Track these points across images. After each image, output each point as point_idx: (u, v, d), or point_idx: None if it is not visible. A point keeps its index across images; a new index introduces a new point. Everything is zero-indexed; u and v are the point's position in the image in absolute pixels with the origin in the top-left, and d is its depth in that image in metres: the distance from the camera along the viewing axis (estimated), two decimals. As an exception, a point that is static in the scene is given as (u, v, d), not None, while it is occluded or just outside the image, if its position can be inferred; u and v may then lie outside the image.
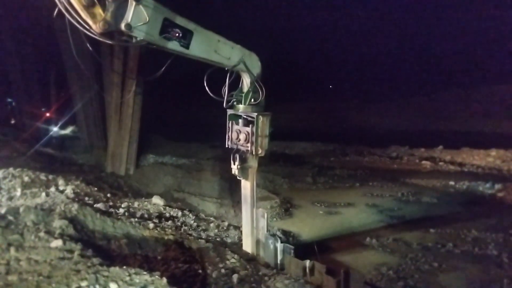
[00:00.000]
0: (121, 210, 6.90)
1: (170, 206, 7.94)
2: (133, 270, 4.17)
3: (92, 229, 5.53)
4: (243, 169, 5.14)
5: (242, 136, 5.03)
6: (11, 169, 8.12)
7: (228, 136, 5.23)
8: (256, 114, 4.88)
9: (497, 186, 10.22)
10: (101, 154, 13.09)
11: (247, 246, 5.57)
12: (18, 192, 6.80)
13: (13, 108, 19.19)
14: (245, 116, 5.08)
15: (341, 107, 44.07)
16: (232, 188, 9.14)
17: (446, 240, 6.57)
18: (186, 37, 4.22)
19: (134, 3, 3.69)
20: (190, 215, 7.52)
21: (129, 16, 3.72)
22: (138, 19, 3.77)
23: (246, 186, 5.36)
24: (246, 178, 5.28)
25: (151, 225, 6.16)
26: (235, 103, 5.07)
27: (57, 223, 5.17)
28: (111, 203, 7.28)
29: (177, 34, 4.13)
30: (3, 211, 5.41)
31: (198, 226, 6.97)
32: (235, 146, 5.15)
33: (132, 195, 9.08)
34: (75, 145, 15.36)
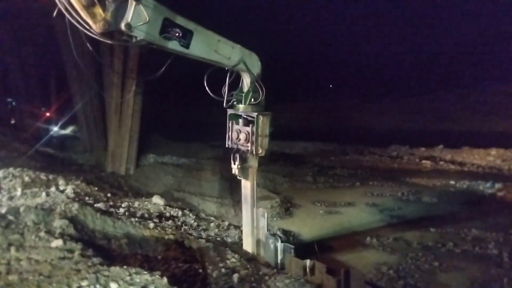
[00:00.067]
0: (122, 210, 6.90)
1: (170, 206, 7.94)
2: (133, 270, 4.17)
3: (92, 229, 5.54)
4: (243, 169, 5.14)
5: (242, 136, 5.03)
6: (11, 169, 8.13)
7: (228, 136, 5.23)
8: (256, 113, 4.88)
9: (497, 185, 10.21)
10: (101, 154, 13.11)
11: (248, 245, 5.57)
12: (19, 192, 6.80)
13: (13, 108, 19.20)
14: (245, 116, 5.08)
15: (342, 107, 44.05)
16: (232, 187, 9.15)
17: (447, 240, 6.57)
18: (186, 37, 4.22)
19: (134, 3, 3.69)
20: (191, 214, 7.52)
21: (129, 16, 3.72)
22: (138, 19, 3.77)
23: (247, 186, 5.36)
24: (246, 178, 5.28)
25: (152, 225, 6.17)
26: (235, 102, 5.07)
27: (58, 223, 5.18)
28: (111, 203, 7.29)
29: (177, 34, 4.13)
30: (3, 211, 5.42)
31: (198, 225, 6.97)
32: (235, 146, 5.15)
33: (133, 194, 9.09)
34: (75, 145, 15.39)
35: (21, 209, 5.42)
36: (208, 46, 4.47)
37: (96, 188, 8.30)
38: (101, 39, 3.76)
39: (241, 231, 6.00)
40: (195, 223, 7.05)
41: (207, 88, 4.84)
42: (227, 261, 5.14)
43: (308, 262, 4.78)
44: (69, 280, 3.87)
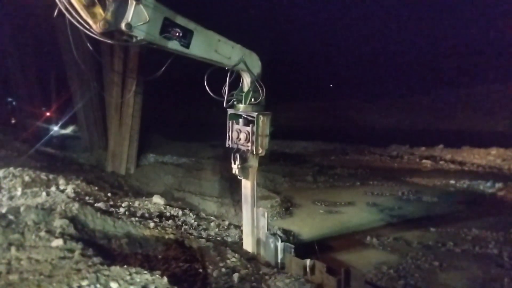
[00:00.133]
0: (122, 210, 6.90)
1: (170, 205, 7.95)
2: (133, 269, 4.17)
3: (92, 229, 5.54)
4: (244, 169, 5.14)
5: (242, 136, 5.03)
6: (11, 169, 8.13)
7: (229, 135, 5.23)
8: (256, 113, 4.88)
9: (498, 185, 10.22)
10: (101, 154, 13.12)
11: (248, 245, 5.58)
12: (19, 192, 6.80)
13: (13, 108, 19.21)
14: (245, 116, 5.08)
15: (342, 106, 44.06)
16: (232, 187, 9.15)
17: (447, 239, 6.56)
18: (186, 36, 4.22)
19: (134, 2, 3.69)
20: (191, 214, 7.53)
21: (129, 15, 3.72)
22: (139, 19, 3.78)
23: (247, 186, 5.36)
24: (246, 178, 5.28)
25: (152, 224, 6.17)
26: (235, 102, 5.07)
27: (58, 223, 5.18)
28: (111, 203, 7.29)
29: (177, 34, 4.13)
30: (3, 210, 5.42)
31: (198, 225, 6.97)
32: (235, 146, 5.15)
33: (133, 194, 9.09)
34: (76, 144, 15.39)
35: (22, 208, 5.42)
36: (208, 46, 4.47)
37: (97, 188, 8.29)
38: (101, 39, 3.76)
39: (241, 231, 6.00)
40: (195, 223, 7.05)
41: (207, 88, 4.84)
42: (227, 261, 5.14)
43: (308, 261, 4.78)
44: (70, 280, 3.87)
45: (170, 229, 6.21)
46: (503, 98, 36.15)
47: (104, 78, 12.38)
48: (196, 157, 13.56)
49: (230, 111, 5.16)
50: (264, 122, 4.93)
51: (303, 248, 5.50)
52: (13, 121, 18.62)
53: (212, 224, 7.06)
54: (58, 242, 4.70)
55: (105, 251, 5.09)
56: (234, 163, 5.07)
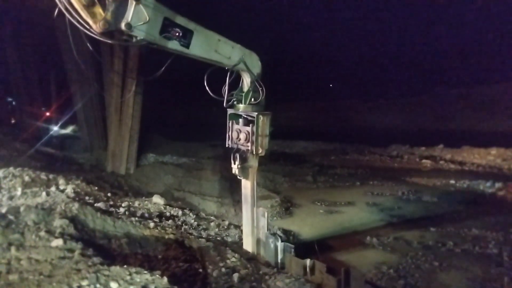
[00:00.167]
0: (122, 209, 6.90)
1: (170, 205, 7.95)
2: (133, 269, 4.18)
3: (92, 228, 5.54)
4: (244, 169, 5.14)
5: (242, 136, 5.03)
6: (11, 169, 8.14)
7: (229, 135, 5.23)
8: (256, 113, 4.88)
9: (498, 184, 10.21)
10: (101, 154, 13.13)
11: (248, 245, 5.58)
12: (19, 192, 6.80)
13: (13, 108, 19.22)
14: (245, 116, 5.08)
15: (342, 106, 44.09)
16: (232, 187, 9.15)
17: (447, 239, 6.56)
18: (186, 36, 4.22)
19: (134, 2, 3.69)
20: (191, 214, 7.53)
21: (129, 15, 3.72)
22: (138, 19, 3.77)
23: (247, 186, 5.36)
24: (246, 178, 5.28)
25: (152, 224, 6.17)
26: (235, 102, 5.07)
27: (58, 223, 5.18)
28: (111, 203, 7.29)
29: (177, 34, 4.13)
30: (3, 210, 5.43)
31: (198, 225, 6.97)
32: (235, 146, 5.15)
33: (133, 194, 9.09)
34: (76, 144, 15.41)
35: (21, 208, 5.42)
36: (208, 45, 4.47)
37: (96, 188, 8.30)
38: (101, 39, 3.76)
39: (241, 231, 6.00)
40: (195, 223, 7.05)
41: (207, 87, 4.84)
42: (227, 261, 5.14)
43: (308, 261, 4.78)
44: (70, 280, 3.87)
45: (170, 229, 6.21)
46: (503, 98, 36.16)
47: (104, 78, 12.39)
48: (196, 157, 13.57)
49: (230, 111, 5.16)
50: (264, 122, 4.93)
51: (303, 248, 5.50)
52: (13, 121, 18.62)
53: (212, 224, 7.07)
54: (58, 242, 4.70)
55: (105, 251, 5.10)
56: (234, 163, 5.07)
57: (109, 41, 3.99)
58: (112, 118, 11.75)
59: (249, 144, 4.95)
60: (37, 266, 4.19)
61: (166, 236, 5.85)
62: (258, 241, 5.46)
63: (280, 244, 5.15)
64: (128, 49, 10.71)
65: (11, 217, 5.20)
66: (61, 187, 7.48)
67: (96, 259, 4.38)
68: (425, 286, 5.05)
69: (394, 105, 42.70)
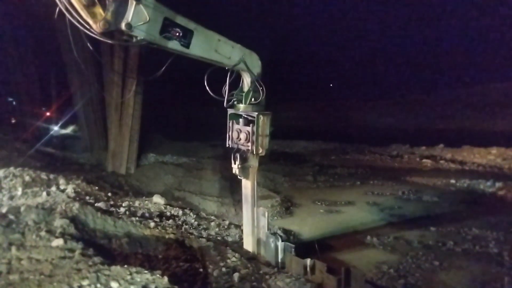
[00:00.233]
0: (122, 209, 6.90)
1: (171, 205, 7.95)
2: (134, 269, 4.18)
3: (93, 228, 5.55)
4: (244, 169, 5.14)
5: (242, 136, 5.03)
6: (12, 169, 8.13)
7: (229, 135, 5.23)
8: (256, 113, 4.88)
9: (498, 184, 10.21)
10: (101, 153, 13.12)
11: (248, 244, 5.58)
12: (19, 192, 6.81)
13: (13, 108, 19.21)
14: (245, 116, 5.08)
15: (342, 106, 44.10)
16: (232, 186, 9.15)
17: (447, 239, 6.56)
18: (186, 36, 4.22)
19: (134, 2, 3.69)
20: (191, 214, 7.53)
21: (129, 15, 3.72)
22: (139, 19, 3.77)
23: (247, 185, 5.36)
24: (246, 178, 5.28)
25: (152, 224, 6.17)
26: (235, 102, 5.07)
27: (58, 222, 5.18)
28: (112, 202, 7.29)
29: (177, 34, 4.13)
30: (4, 210, 5.43)
31: (199, 225, 6.97)
32: (235, 146, 5.15)
33: (133, 194, 9.09)
34: (76, 144, 15.40)
35: (22, 208, 5.43)
36: (208, 45, 4.47)
37: (97, 188, 8.30)
38: (101, 39, 3.76)
39: (242, 230, 6.00)
40: (196, 222, 7.06)
41: (207, 87, 4.84)
42: (228, 260, 5.15)
43: (308, 261, 4.78)
44: (70, 280, 3.87)
45: (171, 229, 6.22)
46: (503, 98, 36.15)
47: (104, 78, 12.38)
48: (196, 157, 13.57)
49: (230, 111, 5.16)
50: (264, 122, 4.93)
51: (303, 248, 5.50)
52: (13, 121, 18.61)
53: (212, 223, 7.07)
54: (59, 241, 4.70)
55: (106, 250, 5.10)
56: (234, 163, 5.07)
57: (109, 41, 4.00)
58: (112, 118, 11.75)
59: (249, 144, 4.95)
60: (37, 266, 4.19)
61: (167, 236, 5.85)
62: (258, 241, 5.46)
63: (280, 244, 5.15)
64: (128, 49, 10.71)
65: (11, 217, 5.20)
66: (62, 187, 7.48)
67: (96, 259, 4.38)
68: (425, 285, 5.06)
69: (394, 105, 42.70)
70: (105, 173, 11.27)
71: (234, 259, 5.19)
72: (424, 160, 14.42)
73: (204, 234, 6.49)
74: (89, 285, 3.81)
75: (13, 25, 16.18)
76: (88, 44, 4.02)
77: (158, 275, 4.10)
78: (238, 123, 5.13)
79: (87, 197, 7.15)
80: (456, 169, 12.97)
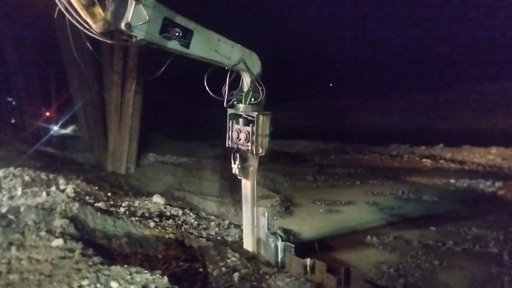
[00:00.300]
0: (122, 209, 6.91)
1: (170, 205, 7.95)
2: (134, 269, 4.18)
3: (93, 228, 5.55)
4: (244, 169, 5.14)
5: (242, 136, 5.03)
6: (11, 169, 8.13)
7: (229, 135, 5.23)
8: (256, 113, 4.88)
9: (498, 184, 10.22)
10: (101, 153, 13.14)
11: (248, 244, 5.58)
12: (19, 191, 6.81)
13: (13, 108, 19.20)
14: (245, 116, 5.08)
15: (342, 106, 44.10)
16: (232, 186, 9.15)
17: (447, 238, 6.56)
18: (186, 36, 4.22)
19: (134, 2, 3.69)
20: (191, 213, 7.53)
21: (129, 15, 3.72)
22: (138, 19, 3.77)
23: (247, 185, 5.36)
24: (246, 178, 5.28)
25: (152, 224, 6.17)
26: (235, 102, 5.07)
27: (58, 222, 5.19)
28: (111, 202, 7.29)
29: (177, 34, 4.13)
30: (4, 210, 5.43)
31: (198, 224, 6.97)
32: (235, 146, 5.15)
33: (133, 194, 9.09)
34: (76, 144, 15.42)
35: (22, 208, 5.43)
36: (208, 45, 4.47)
37: (97, 188, 8.30)
38: (101, 38, 3.76)
39: (242, 230, 6.00)
40: (196, 222, 7.06)
41: (207, 87, 4.84)
42: (228, 260, 5.15)
43: (308, 261, 4.78)
44: (70, 279, 3.88)
45: (170, 229, 6.22)
46: (503, 97, 36.16)
47: (104, 78, 12.39)
48: (196, 157, 13.57)
49: (230, 111, 5.16)
50: (264, 122, 4.93)
51: (303, 248, 5.50)
52: (13, 121, 18.61)
53: (212, 223, 7.07)
54: (59, 241, 4.70)
55: (106, 250, 5.10)
56: (234, 163, 5.07)
57: (109, 41, 3.99)
58: (112, 117, 11.75)
59: (249, 144, 4.95)
60: (37, 266, 4.19)
61: (167, 236, 5.85)
62: (258, 241, 5.46)
63: (280, 244, 5.16)
64: (128, 49, 10.71)
65: (11, 217, 5.20)
66: (61, 187, 7.48)
67: (96, 259, 4.39)
68: (425, 285, 5.06)
69: (394, 104, 42.70)
70: (105, 173, 11.28)
71: (234, 259, 5.19)
72: (424, 160, 14.41)
73: (204, 234, 6.49)
74: (89, 285, 3.81)
75: (13, 25, 16.17)
76: (88, 44, 4.01)
77: (158, 275, 4.10)
78: (238, 123, 5.13)
79: (87, 197, 7.15)
80: (456, 169, 12.97)
